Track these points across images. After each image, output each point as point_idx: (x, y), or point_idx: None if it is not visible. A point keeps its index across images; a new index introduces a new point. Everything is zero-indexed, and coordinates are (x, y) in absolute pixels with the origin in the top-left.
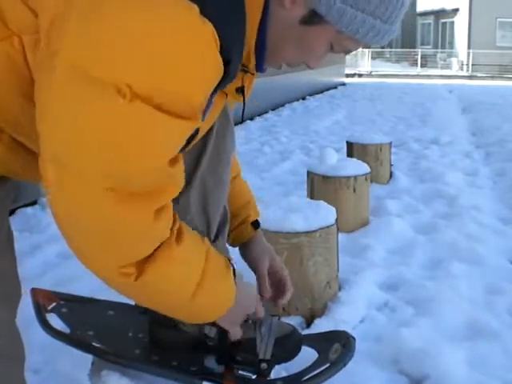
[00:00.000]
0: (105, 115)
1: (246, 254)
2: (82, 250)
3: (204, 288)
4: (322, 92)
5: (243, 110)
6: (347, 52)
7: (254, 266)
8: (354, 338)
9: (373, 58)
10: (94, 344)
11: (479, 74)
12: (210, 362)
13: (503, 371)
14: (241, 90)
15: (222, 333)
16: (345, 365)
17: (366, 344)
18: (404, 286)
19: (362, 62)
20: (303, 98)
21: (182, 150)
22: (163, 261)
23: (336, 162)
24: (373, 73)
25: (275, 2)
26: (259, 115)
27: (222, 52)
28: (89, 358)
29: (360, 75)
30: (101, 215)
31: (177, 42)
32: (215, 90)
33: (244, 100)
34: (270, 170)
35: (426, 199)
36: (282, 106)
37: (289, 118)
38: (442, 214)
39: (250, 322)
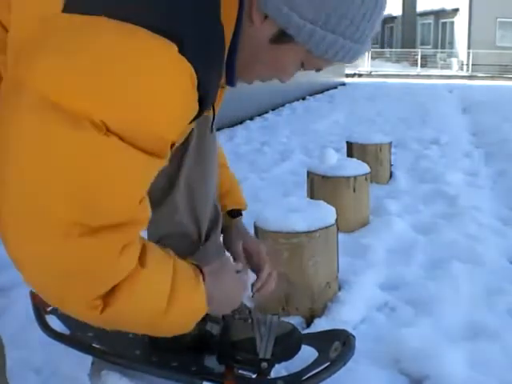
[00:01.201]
0: (75, 149)
1: (224, 242)
2: (46, 288)
3: (174, 304)
4: (322, 92)
5: (212, 121)
6: (318, 70)
7: (230, 252)
8: (353, 337)
9: (373, 58)
10: (94, 345)
11: (479, 74)
12: (210, 362)
13: (503, 371)
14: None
15: (224, 330)
16: (345, 363)
17: (366, 344)
18: (404, 286)
19: (361, 62)
20: (303, 98)
21: None
22: (129, 288)
23: (336, 162)
24: (373, 73)
25: (246, 19)
26: (259, 115)
27: (199, 88)
28: (89, 358)
29: (360, 75)
30: (65, 251)
31: (153, 81)
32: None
33: (214, 113)
34: (270, 170)
35: (426, 199)
36: (282, 106)
37: (289, 118)
38: (442, 214)
39: (250, 321)
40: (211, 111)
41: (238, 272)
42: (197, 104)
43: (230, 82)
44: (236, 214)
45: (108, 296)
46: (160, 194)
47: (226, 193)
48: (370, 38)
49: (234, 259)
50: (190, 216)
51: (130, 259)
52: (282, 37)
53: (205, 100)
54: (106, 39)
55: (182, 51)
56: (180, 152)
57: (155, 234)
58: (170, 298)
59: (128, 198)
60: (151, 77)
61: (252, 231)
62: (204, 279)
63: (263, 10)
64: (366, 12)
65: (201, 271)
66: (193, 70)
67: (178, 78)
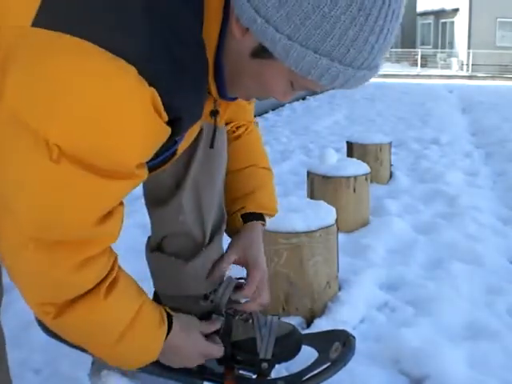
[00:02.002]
0: (33, 170)
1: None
2: (14, 280)
3: (125, 343)
4: (322, 92)
5: (213, 134)
6: (312, 91)
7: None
8: (354, 337)
9: None
10: None
11: (479, 74)
12: (211, 362)
13: (503, 371)
14: (214, 114)
15: (226, 330)
16: (345, 364)
17: (366, 344)
18: (404, 286)
19: None
20: (303, 98)
21: (158, 168)
22: (84, 310)
23: (336, 162)
24: None
25: (229, 31)
26: (259, 115)
27: (168, 110)
28: (89, 358)
29: None
30: (20, 258)
31: (108, 107)
32: (178, 133)
33: (215, 124)
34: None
35: (426, 199)
36: (282, 106)
37: (289, 118)
38: (442, 214)
39: (250, 321)
40: (215, 120)
41: (207, 335)
42: (165, 127)
43: (222, 95)
44: (252, 217)
45: (62, 308)
46: (166, 193)
47: (247, 194)
48: (371, 64)
49: (217, 266)
50: (195, 217)
51: (87, 277)
52: (262, 51)
53: (180, 121)
54: (63, 62)
55: (142, 74)
56: (188, 153)
57: (159, 232)
58: (122, 336)
59: (80, 219)
60: (106, 103)
61: None
62: (170, 331)
63: (240, 21)
64: (361, 33)
65: (171, 322)
66: (155, 94)
67: (135, 103)
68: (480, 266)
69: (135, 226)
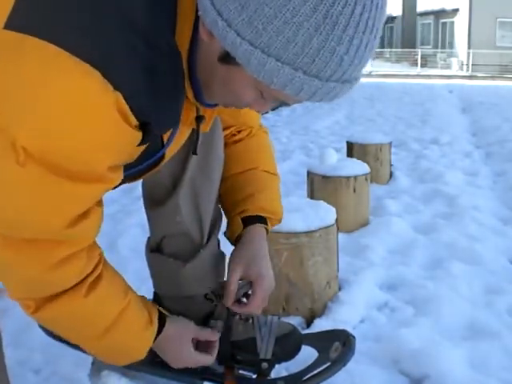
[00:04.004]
0: (0, 171)
1: (230, 260)
2: None
3: (109, 339)
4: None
5: (196, 141)
6: (285, 104)
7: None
8: (354, 337)
9: (373, 58)
10: None
11: (479, 74)
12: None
13: (503, 371)
14: (198, 120)
15: (227, 330)
16: (345, 364)
17: (366, 344)
18: (404, 286)
19: None
20: None
21: (148, 171)
22: (63, 306)
23: (336, 162)
24: (373, 73)
25: (199, 33)
26: None
27: (137, 114)
28: (89, 358)
29: None
30: None
31: (71, 111)
32: (156, 133)
33: (198, 131)
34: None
35: (426, 199)
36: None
37: (289, 118)
38: (442, 214)
39: (251, 321)
40: (201, 126)
41: (197, 342)
42: (132, 131)
43: (199, 100)
44: (253, 221)
45: (41, 303)
46: (163, 193)
47: (247, 197)
48: (345, 77)
49: (224, 290)
50: (193, 217)
51: (62, 277)
52: (227, 56)
53: (153, 125)
54: (29, 65)
55: (106, 77)
56: (185, 153)
57: (158, 233)
58: (104, 334)
59: (49, 221)
60: (70, 107)
61: None
62: (160, 331)
63: (205, 24)
64: (328, 43)
65: (162, 320)
66: (120, 98)
67: (98, 107)
68: (480, 266)
69: (137, 226)
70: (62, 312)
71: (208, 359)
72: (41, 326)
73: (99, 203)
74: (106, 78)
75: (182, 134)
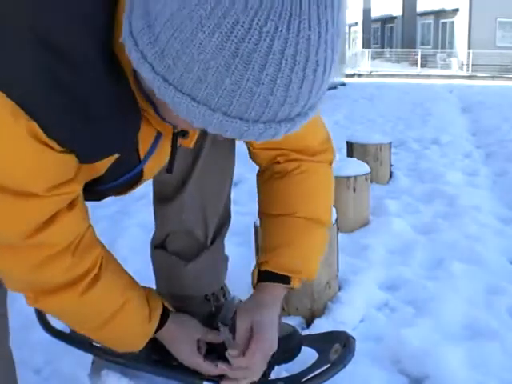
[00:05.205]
0: None
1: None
2: None
3: (106, 331)
4: None
5: (171, 158)
6: (217, 135)
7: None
8: (353, 339)
9: (373, 58)
10: (94, 344)
11: (479, 74)
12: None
13: (503, 371)
14: (181, 134)
15: (230, 331)
16: (345, 365)
17: (366, 344)
18: (404, 286)
19: (362, 62)
20: None
21: (129, 187)
22: (59, 302)
23: (336, 162)
24: (373, 73)
25: None
26: None
27: (58, 142)
28: (89, 357)
29: (360, 75)
30: None
31: None
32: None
33: (174, 145)
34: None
35: (426, 199)
36: None
37: None
38: (442, 214)
39: None
40: (186, 140)
41: (203, 343)
42: (58, 155)
43: (162, 118)
44: (269, 278)
45: (39, 295)
46: (171, 191)
47: (272, 249)
48: (280, 115)
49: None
50: (198, 217)
51: (49, 275)
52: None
53: (79, 153)
54: None
55: (21, 107)
56: (193, 154)
57: (163, 230)
58: (102, 326)
59: (10, 232)
60: None
61: (252, 231)
62: (163, 324)
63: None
64: (243, 84)
65: (165, 312)
66: (35, 127)
67: (11, 138)
68: (480, 266)
69: (137, 226)
70: (58, 306)
71: (209, 369)
72: (42, 325)
73: (71, 206)
74: (20, 107)
75: (164, 149)
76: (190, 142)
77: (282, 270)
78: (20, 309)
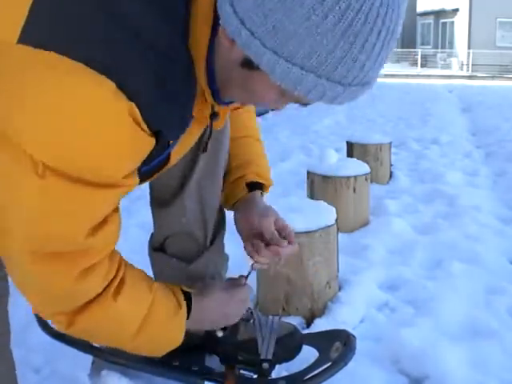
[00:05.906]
0: (20, 186)
1: (237, 218)
2: (23, 291)
3: (145, 334)
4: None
5: (209, 136)
6: (305, 104)
7: (252, 227)
8: (354, 337)
9: None
10: (94, 344)
11: (479, 74)
12: (211, 362)
13: (503, 371)
14: (213, 117)
15: (233, 330)
16: (346, 364)
17: (366, 344)
18: (404, 286)
19: None
20: None
21: (153, 173)
22: (96, 315)
23: (336, 162)
24: None
25: (218, 38)
26: (259, 115)
27: (150, 124)
28: (89, 358)
29: None
30: (23, 271)
31: (87, 121)
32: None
33: (211, 127)
34: (270, 169)
35: (426, 199)
36: None
37: (289, 118)
38: (442, 214)
39: (252, 322)
40: (216, 122)
41: (235, 286)
42: (147, 138)
43: (218, 101)
44: (254, 187)
45: (73, 316)
46: (170, 194)
47: (245, 163)
48: (365, 79)
49: (264, 239)
50: (198, 219)
51: (90, 285)
52: (250, 62)
53: (165, 133)
54: (43, 78)
55: (121, 88)
56: (193, 155)
57: (162, 233)
58: (138, 331)
59: (71, 231)
60: (83, 118)
61: None
62: (191, 309)
63: (226, 32)
64: (350, 52)
65: (189, 298)
66: (133, 107)
67: (112, 117)
68: (480, 266)
69: (137, 226)
70: (95, 320)
71: (247, 291)
72: (40, 325)
73: (116, 209)
74: (120, 88)
75: (192, 135)
76: (220, 124)
77: (260, 178)
78: (20, 309)
